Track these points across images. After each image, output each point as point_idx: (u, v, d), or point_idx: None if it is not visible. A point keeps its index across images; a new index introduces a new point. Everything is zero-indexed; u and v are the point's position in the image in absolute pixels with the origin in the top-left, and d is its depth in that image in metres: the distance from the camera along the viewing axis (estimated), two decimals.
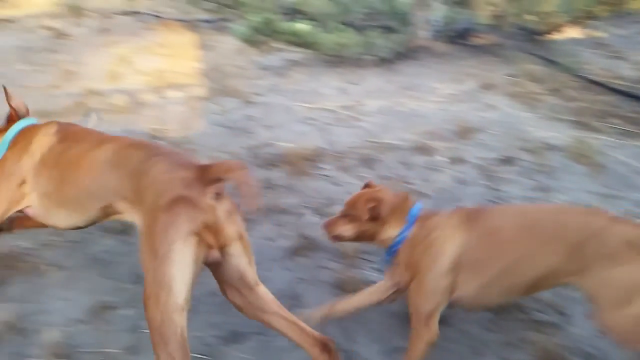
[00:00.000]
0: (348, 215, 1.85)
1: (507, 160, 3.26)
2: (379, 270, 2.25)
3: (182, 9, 5.99)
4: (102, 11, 6.17)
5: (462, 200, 2.83)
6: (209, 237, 1.53)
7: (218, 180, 1.56)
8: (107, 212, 1.83)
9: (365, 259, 2.39)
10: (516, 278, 1.71)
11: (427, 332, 1.70)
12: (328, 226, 1.90)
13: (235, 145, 3.42)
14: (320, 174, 3.11)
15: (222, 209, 1.56)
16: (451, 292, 1.73)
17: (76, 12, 5.98)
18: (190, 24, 5.74)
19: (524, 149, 3.39)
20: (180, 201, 1.52)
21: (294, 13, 5.14)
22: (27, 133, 2.04)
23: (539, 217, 1.79)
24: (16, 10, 7.77)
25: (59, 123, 2.10)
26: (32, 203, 1.94)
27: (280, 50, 4.97)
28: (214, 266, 1.65)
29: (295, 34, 4.43)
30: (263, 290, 1.72)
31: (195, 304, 1.57)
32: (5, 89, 2.24)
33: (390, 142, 3.46)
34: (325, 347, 1.62)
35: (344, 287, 2.22)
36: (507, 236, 1.73)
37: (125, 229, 2.56)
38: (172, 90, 4.24)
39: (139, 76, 4.44)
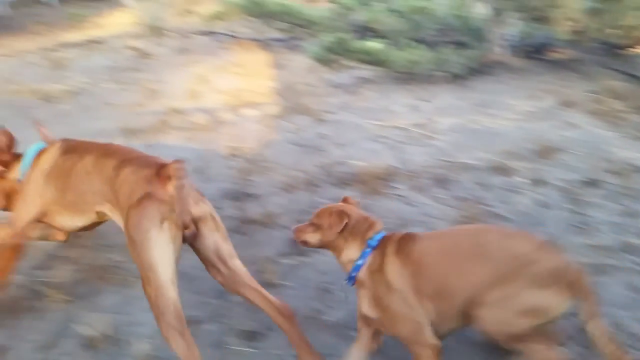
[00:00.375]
0: (314, 224, 1.88)
1: (592, 183, 3.10)
2: None
3: (255, 28, 6.22)
4: (181, 31, 6.53)
5: (544, 224, 2.73)
6: (178, 220, 1.78)
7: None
8: (100, 214, 2.12)
9: None
10: (446, 303, 1.69)
11: (426, 350, 1.70)
12: (297, 231, 1.95)
13: (309, 164, 3.49)
14: (393, 194, 3.10)
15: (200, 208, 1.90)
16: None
17: (157, 32, 6.36)
18: (264, 43, 5.95)
19: (609, 170, 3.22)
20: (146, 197, 1.79)
21: (365, 31, 5.20)
22: (41, 153, 2.31)
23: (459, 240, 1.79)
24: (101, 30, 8.37)
25: (63, 140, 2.33)
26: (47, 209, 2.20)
27: (350, 67, 5.04)
28: (194, 246, 1.95)
29: (367, 52, 4.48)
30: (238, 264, 1.96)
31: None
32: (36, 122, 2.53)
33: (465, 161, 3.40)
34: (285, 312, 1.89)
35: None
36: (431, 261, 1.74)
37: None
38: (248, 108, 4.39)
39: (217, 95, 4.65)
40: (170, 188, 1.78)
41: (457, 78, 4.72)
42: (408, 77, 4.77)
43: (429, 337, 1.70)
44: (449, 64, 4.69)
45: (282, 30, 5.89)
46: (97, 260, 2.60)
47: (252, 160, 3.57)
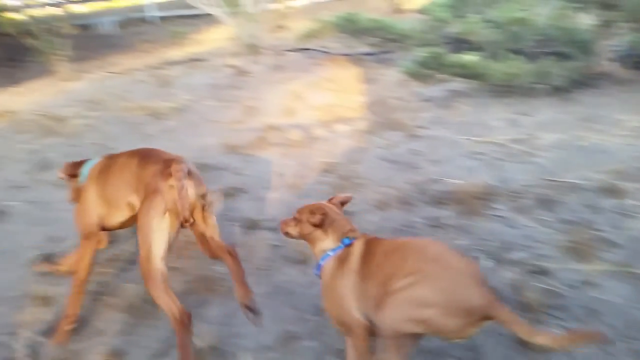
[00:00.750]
0: (295, 218, 2.10)
1: None
2: (566, 327, 2.10)
3: (346, 43, 6.31)
4: (275, 48, 6.79)
5: None
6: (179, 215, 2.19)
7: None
8: (130, 206, 2.40)
9: (551, 314, 2.23)
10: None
11: (353, 337, 1.90)
12: (282, 223, 2.18)
13: (401, 181, 3.46)
14: (493, 215, 2.99)
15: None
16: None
17: (253, 50, 6.65)
18: (354, 58, 6.03)
19: None
20: (155, 191, 2.21)
21: (459, 43, 5.09)
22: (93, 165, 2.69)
23: (405, 246, 1.88)
24: (200, 47, 8.88)
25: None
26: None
27: (442, 80, 4.95)
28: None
29: (462, 65, 4.37)
30: (217, 236, 2.42)
31: None
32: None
33: (571, 181, 3.21)
34: (230, 252, 2.36)
35: (527, 343, 2.09)
36: (377, 262, 1.86)
37: (305, 259, 2.76)
38: (340, 124, 4.46)
39: (310, 111, 4.77)
40: (173, 183, 2.18)
41: (559, 91, 4.48)
42: (506, 90, 4.60)
43: (356, 327, 1.88)
44: (550, 76, 4.46)
45: (372, 44, 5.94)
46: (204, 272, 2.75)
47: (344, 176, 3.61)
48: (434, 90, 4.93)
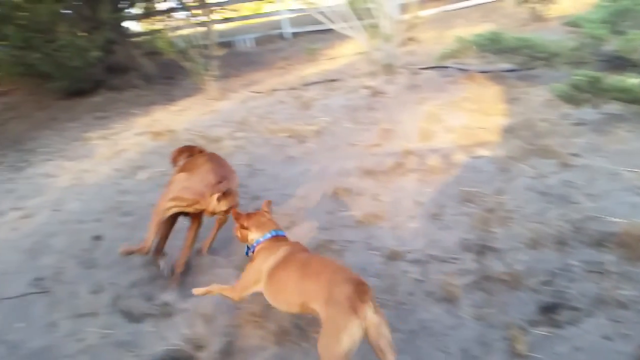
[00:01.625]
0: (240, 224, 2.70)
1: None
2: None
3: (485, 59, 6.05)
4: (410, 66, 6.75)
5: None
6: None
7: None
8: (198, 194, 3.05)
9: None
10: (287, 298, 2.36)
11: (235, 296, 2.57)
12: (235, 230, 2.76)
13: (554, 216, 3.23)
14: None
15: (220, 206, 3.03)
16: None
17: (388, 69, 6.66)
18: (494, 75, 5.75)
19: None
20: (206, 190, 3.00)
21: (615, 62, 4.62)
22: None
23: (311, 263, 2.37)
24: (333, 63, 9.12)
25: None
26: None
27: (596, 102, 4.51)
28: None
29: (624, 90, 3.95)
30: None
31: None
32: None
33: None
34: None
35: None
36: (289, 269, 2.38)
37: (451, 297, 2.70)
38: (482, 148, 4.29)
39: (448, 134, 4.65)
40: (215, 195, 2.98)
41: None
42: None
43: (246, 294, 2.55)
44: None
45: (513, 61, 5.62)
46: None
47: (489, 208, 3.47)
48: (587, 112, 4.53)
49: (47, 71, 8.61)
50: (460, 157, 4.22)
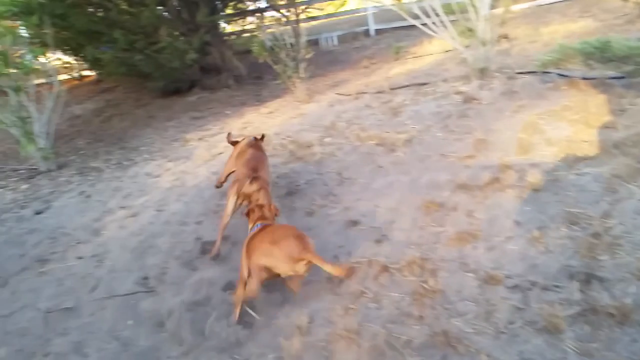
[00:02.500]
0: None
1: None
2: None
3: (589, 66, 5.66)
4: (505, 70, 6.45)
5: None
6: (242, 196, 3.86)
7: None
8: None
9: None
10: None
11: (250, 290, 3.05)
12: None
13: None
14: None
15: (251, 187, 3.81)
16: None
17: (481, 73, 6.41)
18: (599, 82, 5.36)
19: None
20: (235, 183, 3.95)
21: None
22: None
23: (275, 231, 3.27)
24: (420, 63, 8.94)
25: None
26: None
27: None
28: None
29: None
30: None
31: None
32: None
33: None
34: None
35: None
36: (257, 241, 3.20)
37: (554, 330, 2.59)
38: (586, 165, 4.03)
39: (549, 147, 4.40)
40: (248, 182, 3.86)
41: None
42: None
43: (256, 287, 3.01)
44: None
45: (622, 70, 5.20)
46: (444, 325, 2.79)
47: (595, 232, 3.27)
48: None
49: (147, 71, 9.20)
50: (562, 174, 3.99)
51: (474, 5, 5.96)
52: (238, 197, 3.84)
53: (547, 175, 3.99)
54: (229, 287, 3.46)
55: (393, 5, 6.86)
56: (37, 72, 6.37)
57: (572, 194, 3.74)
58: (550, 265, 3.10)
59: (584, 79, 5.47)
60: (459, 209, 3.84)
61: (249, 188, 3.81)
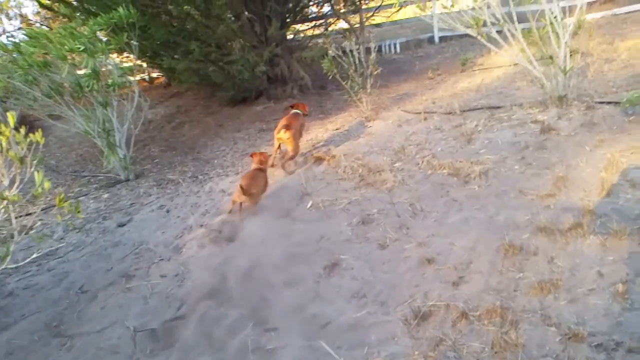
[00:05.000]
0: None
1: None
2: None
3: None
4: (585, 99, 6.22)
5: None
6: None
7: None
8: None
9: None
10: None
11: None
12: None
13: None
14: None
15: (285, 135, 6.17)
16: None
17: (560, 101, 6.22)
18: None
19: None
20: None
21: None
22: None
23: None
24: (488, 76, 8.74)
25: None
26: None
27: None
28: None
29: None
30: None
31: None
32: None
33: None
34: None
35: None
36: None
37: None
38: None
39: (632, 190, 4.22)
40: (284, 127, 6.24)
41: None
42: None
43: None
44: None
45: None
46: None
47: None
48: None
49: (218, 82, 9.54)
50: None
51: (555, 32, 5.79)
52: (276, 140, 6.29)
53: (631, 223, 3.86)
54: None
55: (460, 11, 6.69)
56: (124, 87, 6.75)
57: None
58: (636, 324, 3.02)
59: None
60: (539, 254, 3.79)
61: (283, 135, 6.13)
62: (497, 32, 6.32)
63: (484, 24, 6.15)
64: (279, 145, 6.43)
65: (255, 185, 5.22)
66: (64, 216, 5.77)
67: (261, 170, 5.51)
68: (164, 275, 4.50)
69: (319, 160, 6.36)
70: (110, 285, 4.49)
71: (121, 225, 5.64)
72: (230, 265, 4.39)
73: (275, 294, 3.99)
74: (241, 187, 5.01)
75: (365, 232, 4.56)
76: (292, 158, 6.23)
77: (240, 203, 5.22)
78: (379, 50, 14.48)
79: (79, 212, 3.48)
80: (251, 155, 5.73)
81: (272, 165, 6.35)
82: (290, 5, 10.58)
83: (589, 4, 12.68)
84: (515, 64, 8.85)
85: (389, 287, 3.81)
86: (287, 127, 6.10)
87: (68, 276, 4.73)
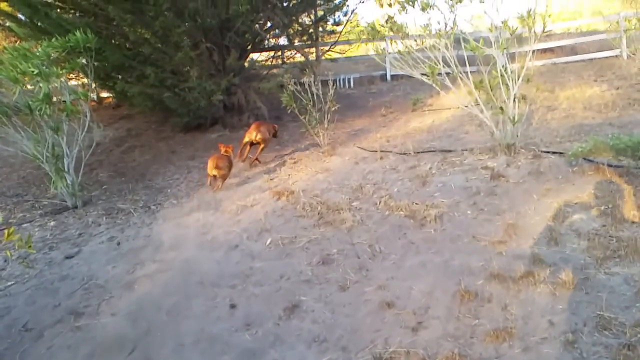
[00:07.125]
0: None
1: None
2: None
3: (619, 159, 5.79)
4: (532, 148, 6.60)
5: None
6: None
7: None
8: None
9: None
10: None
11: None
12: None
13: None
14: None
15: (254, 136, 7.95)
16: None
17: (508, 149, 6.56)
18: (626, 171, 5.51)
19: None
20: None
21: None
22: None
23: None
24: (438, 118, 9.10)
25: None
26: None
27: None
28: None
29: None
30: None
31: None
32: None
33: None
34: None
35: None
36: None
37: None
38: (614, 263, 4.12)
39: (577, 239, 4.49)
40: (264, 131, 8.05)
41: None
42: None
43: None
44: None
45: None
46: None
47: (628, 342, 3.33)
48: None
49: (173, 107, 9.38)
50: (592, 272, 4.09)
51: (505, 84, 6.15)
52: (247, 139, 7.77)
53: (578, 273, 4.08)
54: None
55: (411, 53, 6.96)
56: (76, 113, 6.49)
57: (603, 295, 3.81)
58: None
59: (610, 166, 5.62)
60: (494, 301, 3.92)
61: (251, 136, 7.86)
62: (447, 74, 6.63)
63: (439, 73, 6.43)
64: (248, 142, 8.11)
65: (222, 161, 6.88)
66: (13, 252, 5.33)
67: (227, 155, 7.20)
68: (114, 314, 4.29)
69: (277, 195, 6.34)
70: (57, 323, 4.23)
71: (69, 257, 5.35)
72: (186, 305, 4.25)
73: (233, 336, 3.88)
74: (211, 161, 6.84)
75: (325, 273, 4.56)
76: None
77: (214, 176, 6.80)
78: (334, 84, 14.80)
79: (30, 247, 3.27)
80: (219, 145, 7.45)
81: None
82: (249, 36, 10.66)
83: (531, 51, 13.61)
84: (465, 106, 9.30)
85: (350, 331, 3.81)
86: (258, 131, 8.12)
87: (10, 312, 4.41)
